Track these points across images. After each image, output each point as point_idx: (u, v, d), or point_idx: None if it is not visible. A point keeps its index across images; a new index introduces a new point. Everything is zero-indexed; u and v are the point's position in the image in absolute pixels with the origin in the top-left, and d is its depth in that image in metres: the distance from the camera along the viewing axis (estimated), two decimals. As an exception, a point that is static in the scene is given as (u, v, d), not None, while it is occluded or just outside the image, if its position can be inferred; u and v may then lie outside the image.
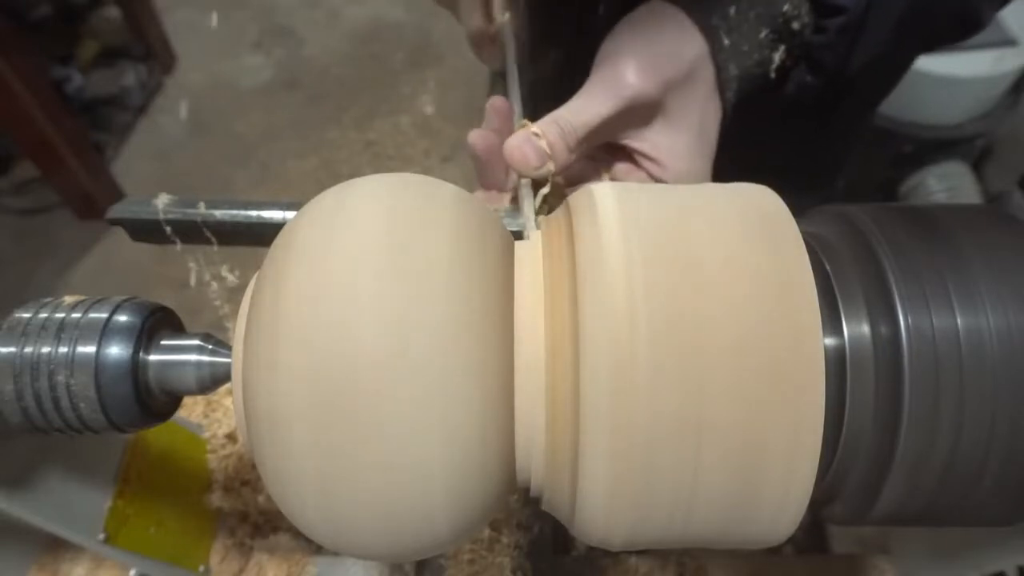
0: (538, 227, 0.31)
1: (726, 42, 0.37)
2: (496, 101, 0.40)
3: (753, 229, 0.25)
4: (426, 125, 1.97)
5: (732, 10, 0.37)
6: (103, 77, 2.05)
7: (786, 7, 0.37)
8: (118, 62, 2.08)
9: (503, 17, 0.46)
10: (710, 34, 0.37)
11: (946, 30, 0.43)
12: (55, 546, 0.48)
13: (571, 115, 0.36)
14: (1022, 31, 1.18)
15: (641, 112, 0.37)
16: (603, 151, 0.41)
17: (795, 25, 0.38)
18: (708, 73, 0.37)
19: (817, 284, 0.23)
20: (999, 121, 1.24)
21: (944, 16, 0.42)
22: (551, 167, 0.35)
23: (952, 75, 1.15)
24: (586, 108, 0.36)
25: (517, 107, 0.40)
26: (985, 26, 0.43)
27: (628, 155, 0.40)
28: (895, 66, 0.51)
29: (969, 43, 1.16)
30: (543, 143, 0.35)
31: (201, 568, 0.51)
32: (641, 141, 0.38)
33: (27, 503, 0.37)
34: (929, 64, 1.15)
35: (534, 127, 0.36)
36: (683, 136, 0.38)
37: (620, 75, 0.36)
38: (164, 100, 2.12)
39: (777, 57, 0.39)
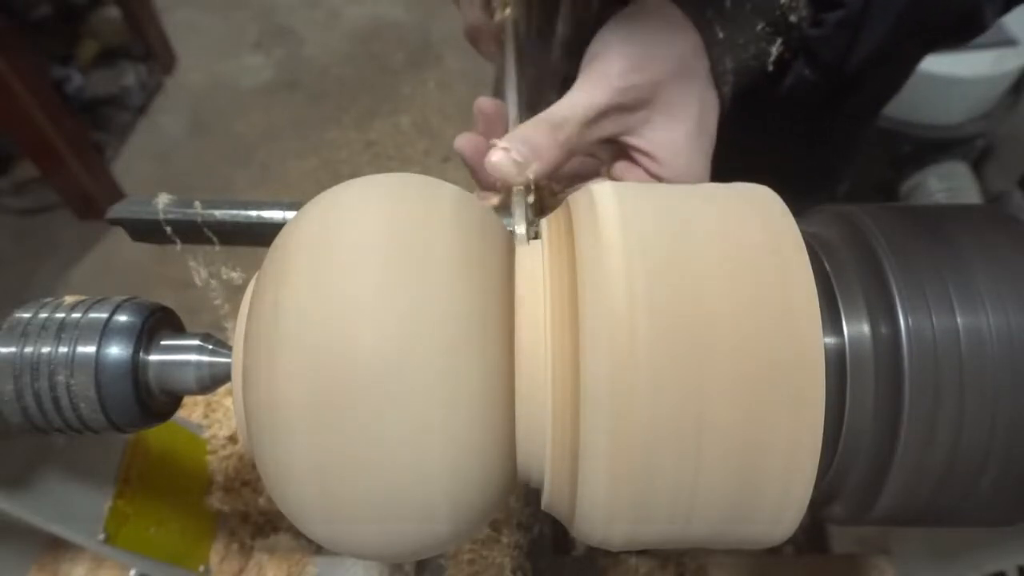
0: (529, 235, 0.31)
1: (720, 35, 0.37)
2: (481, 102, 0.39)
3: (753, 229, 0.25)
4: (426, 125, 1.97)
5: (728, 2, 0.37)
6: (103, 77, 2.04)
7: (785, 2, 0.37)
8: (118, 62, 2.08)
9: (503, 13, 0.45)
10: (703, 27, 0.37)
11: (947, 30, 0.43)
12: (55, 546, 0.48)
13: (563, 110, 0.36)
14: (1022, 31, 1.18)
15: (634, 107, 0.37)
16: (601, 149, 0.40)
17: (792, 18, 0.38)
18: (702, 67, 0.37)
19: (817, 284, 0.23)
20: (999, 121, 1.24)
21: (944, 15, 0.41)
22: (532, 170, 0.35)
23: (952, 75, 1.15)
24: (578, 102, 0.36)
25: (513, 109, 0.40)
26: (987, 28, 0.43)
27: (626, 153, 0.40)
28: (897, 67, 0.50)
29: (969, 43, 1.16)
30: (513, 154, 0.34)
31: (201, 568, 0.51)
32: (638, 138, 0.38)
33: (27, 503, 0.37)
34: (929, 64, 1.14)
35: (503, 141, 0.35)
36: (680, 131, 0.37)
37: (607, 69, 0.36)
38: (164, 100, 2.12)
39: (774, 50, 0.39)
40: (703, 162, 0.39)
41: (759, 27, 0.38)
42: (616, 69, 0.36)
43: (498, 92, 0.44)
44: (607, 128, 0.37)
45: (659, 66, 0.36)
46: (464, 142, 0.38)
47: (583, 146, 0.37)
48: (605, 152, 0.41)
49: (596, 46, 0.37)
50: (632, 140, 0.38)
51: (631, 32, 0.37)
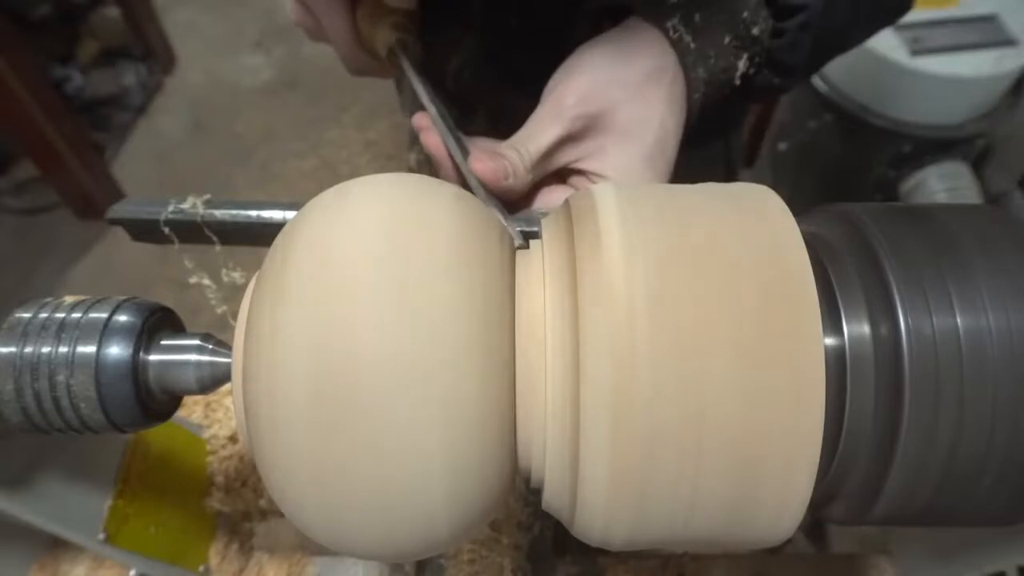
0: (505, 221, 0.32)
1: (692, 46, 0.38)
2: (418, 120, 0.40)
3: (753, 229, 0.25)
4: (426, 125, 1.97)
5: (697, 17, 0.38)
6: (103, 77, 2.05)
7: (745, 13, 0.38)
8: (118, 62, 2.08)
9: (392, 40, 0.42)
10: (676, 40, 0.38)
11: (890, 11, 0.45)
12: (55, 546, 0.48)
13: (521, 140, 0.37)
14: (1022, 31, 1.18)
15: (585, 136, 0.38)
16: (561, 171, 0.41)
17: (755, 31, 0.39)
18: (666, 84, 0.38)
19: (817, 284, 0.23)
20: (999, 121, 1.23)
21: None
22: (509, 183, 0.36)
23: (952, 75, 1.15)
24: (531, 135, 0.37)
25: (440, 122, 0.39)
26: (912, 5, 0.45)
27: (584, 174, 0.40)
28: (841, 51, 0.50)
29: (969, 43, 1.16)
30: (505, 163, 0.36)
31: (201, 568, 0.51)
32: (593, 162, 0.39)
33: (27, 503, 0.37)
34: (929, 64, 1.15)
35: (482, 150, 0.36)
36: (635, 155, 0.38)
37: (560, 102, 0.37)
38: (164, 100, 2.12)
39: (741, 65, 0.40)
40: (658, 179, 0.39)
41: (727, 40, 0.39)
42: (569, 101, 0.37)
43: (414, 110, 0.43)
44: (563, 157, 0.39)
45: (614, 93, 0.37)
46: (430, 140, 0.39)
47: (543, 172, 0.39)
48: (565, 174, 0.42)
49: (558, 75, 0.39)
50: (587, 166, 0.39)
51: (592, 58, 0.38)
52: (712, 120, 0.42)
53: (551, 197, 0.40)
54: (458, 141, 0.38)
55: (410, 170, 0.72)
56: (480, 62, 0.54)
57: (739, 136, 0.64)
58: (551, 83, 0.39)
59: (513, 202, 0.38)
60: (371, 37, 0.42)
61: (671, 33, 0.38)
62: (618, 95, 0.37)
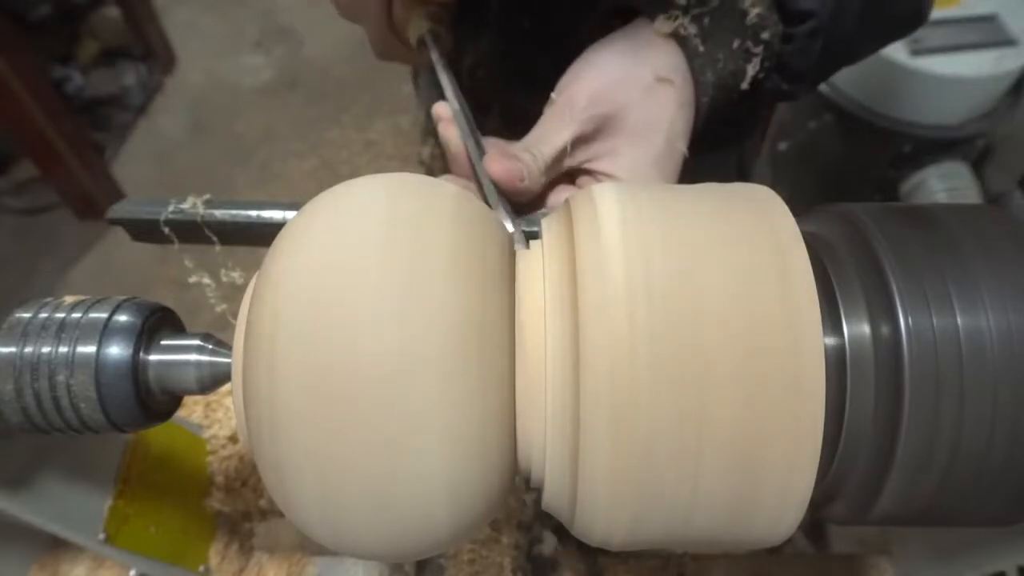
0: (518, 238, 0.32)
1: (701, 49, 0.38)
2: (439, 109, 0.40)
3: (753, 229, 0.25)
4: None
5: (706, 20, 0.38)
6: (103, 77, 2.05)
7: (754, 18, 0.38)
8: (118, 62, 2.08)
9: (422, 29, 0.42)
10: (684, 42, 0.38)
11: (900, 23, 0.45)
12: (55, 546, 0.48)
13: (537, 142, 0.37)
14: (1022, 31, 1.18)
15: (597, 136, 0.38)
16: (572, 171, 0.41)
17: (764, 35, 0.39)
18: (679, 80, 0.38)
19: (817, 284, 0.23)
20: (999, 121, 1.23)
21: (899, 7, 0.44)
22: (524, 185, 0.36)
23: (952, 75, 1.15)
24: (543, 137, 0.37)
25: (461, 119, 0.39)
26: (926, 20, 0.45)
27: (593, 175, 0.40)
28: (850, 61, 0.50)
29: (969, 43, 1.16)
30: (520, 165, 0.36)
31: (201, 568, 0.51)
32: (604, 163, 0.39)
33: (27, 503, 0.37)
34: (929, 64, 1.15)
35: (498, 150, 0.36)
36: (645, 157, 0.38)
37: (572, 104, 0.37)
38: (164, 100, 2.12)
39: (750, 70, 0.40)
40: (667, 179, 0.39)
41: (735, 44, 0.38)
42: (581, 103, 0.37)
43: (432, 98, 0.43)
44: (576, 158, 0.38)
45: (625, 94, 0.37)
46: (449, 132, 0.39)
47: (555, 173, 0.38)
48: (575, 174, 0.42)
49: (568, 76, 0.39)
50: (597, 167, 0.39)
51: (602, 59, 0.38)
52: (726, 126, 0.42)
53: (560, 198, 0.39)
54: (476, 141, 0.38)
55: (422, 164, 0.71)
56: (495, 60, 0.54)
57: (754, 143, 0.64)
58: (561, 84, 0.39)
59: (525, 204, 0.38)
60: (404, 23, 0.43)
61: (680, 34, 0.38)
62: (629, 96, 0.37)
